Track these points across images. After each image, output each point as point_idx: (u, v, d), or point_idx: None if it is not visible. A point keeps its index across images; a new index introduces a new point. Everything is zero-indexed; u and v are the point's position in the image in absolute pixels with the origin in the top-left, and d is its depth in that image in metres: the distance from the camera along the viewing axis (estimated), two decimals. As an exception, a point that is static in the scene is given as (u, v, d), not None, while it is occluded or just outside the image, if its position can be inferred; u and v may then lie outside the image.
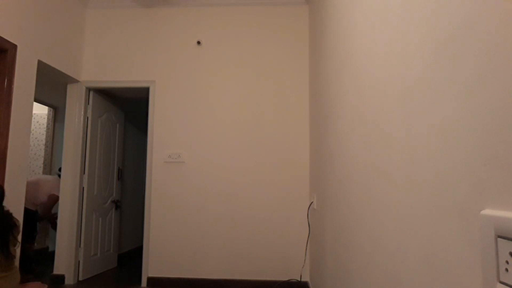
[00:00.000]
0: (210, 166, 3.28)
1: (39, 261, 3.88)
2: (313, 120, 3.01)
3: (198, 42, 3.41)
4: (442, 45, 0.72)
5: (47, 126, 4.69)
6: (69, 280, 3.21)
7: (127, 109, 4.31)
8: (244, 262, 3.16)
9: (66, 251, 3.22)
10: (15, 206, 2.51)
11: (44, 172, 4.56)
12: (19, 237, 2.33)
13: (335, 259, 1.88)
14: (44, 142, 4.73)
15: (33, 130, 4.63)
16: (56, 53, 3.01)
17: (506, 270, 0.50)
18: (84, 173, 3.39)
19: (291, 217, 3.18)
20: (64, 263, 3.21)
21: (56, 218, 3.43)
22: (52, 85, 4.05)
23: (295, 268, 3.12)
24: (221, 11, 3.44)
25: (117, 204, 3.94)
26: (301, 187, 3.22)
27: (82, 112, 3.39)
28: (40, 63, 2.80)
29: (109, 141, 3.83)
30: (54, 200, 3.56)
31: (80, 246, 3.31)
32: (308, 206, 3.11)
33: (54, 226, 3.58)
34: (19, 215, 2.55)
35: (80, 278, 3.29)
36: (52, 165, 4.45)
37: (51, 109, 4.54)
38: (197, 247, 3.19)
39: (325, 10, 2.36)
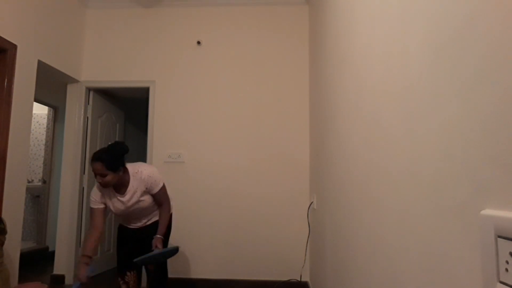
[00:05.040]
0: (210, 166, 3.28)
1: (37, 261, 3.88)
2: (313, 120, 3.01)
3: (198, 42, 3.41)
4: (442, 44, 0.72)
5: (47, 126, 4.69)
6: (69, 280, 3.21)
7: (127, 109, 4.31)
8: (244, 262, 3.16)
9: (66, 251, 3.22)
10: (16, 205, 2.51)
11: (44, 172, 4.54)
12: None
13: (335, 259, 1.88)
14: (44, 142, 4.73)
15: (33, 130, 4.63)
16: (56, 53, 3.01)
17: (506, 270, 0.50)
18: (84, 173, 3.39)
19: (291, 217, 3.18)
20: (64, 263, 3.21)
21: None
22: (52, 85, 4.05)
23: (295, 268, 3.12)
24: (221, 11, 3.44)
25: (117, 204, 3.93)
26: (301, 187, 3.22)
27: (82, 112, 3.39)
28: (40, 63, 2.80)
29: (109, 141, 3.83)
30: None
31: (80, 246, 3.31)
32: (308, 206, 3.11)
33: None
34: (19, 215, 2.55)
35: (80, 278, 3.28)
36: (52, 165, 4.45)
37: (51, 109, 4.54)
38: (197, 247, 3.19)
39: (325, 10, 2.36)
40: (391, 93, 1.03)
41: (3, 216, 2.34)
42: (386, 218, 1.07)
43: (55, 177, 4.37)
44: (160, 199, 2.17)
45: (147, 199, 2.14)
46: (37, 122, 4.88)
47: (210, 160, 3.29)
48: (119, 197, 2.09)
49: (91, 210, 2.11)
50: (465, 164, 0.63)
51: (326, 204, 2.24)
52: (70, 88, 3.41)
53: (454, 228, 0.67)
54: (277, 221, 3.19)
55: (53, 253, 3.34)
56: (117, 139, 4.00)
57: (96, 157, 1.96)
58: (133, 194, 2.09)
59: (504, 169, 0.52)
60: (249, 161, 3.28)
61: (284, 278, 3.11)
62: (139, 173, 2.09)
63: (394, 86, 1.01)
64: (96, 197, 2.09)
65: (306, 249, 3.10)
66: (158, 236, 2.09)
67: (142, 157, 4.72)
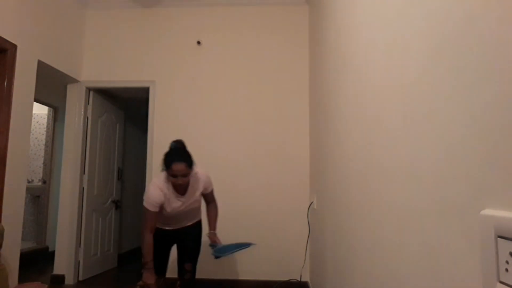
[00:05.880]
0: (210, 166, 3.27)
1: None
2: (313, 120, 3.01)
3: (198, 42, 3.41)
4: (442, 44, 0.72)
5: (47, 126, 4.69)
6: (69, 280, 3.21)
7: (127, 109, 4.31)
8: (244, 262, 3.16)
9: (66, 251, 3.22)
10: (16, 205, 2.51)
11: (44, 172, 4.54)
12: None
13: (335, 259, 1.88)
14: (44, 142, 4.73)
15: (33, 130, 4.63)
16: (56, 53, 3.01)
17: (506, 270, 0.50)
18: (84, 173, 3.39)
19: (291, 217, 3.18)
20: (64, 263, 3.21)
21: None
22: (52, 85, 4.05)
23: (295, 268, 3.12)
24: (221, 11, 3.44)
25: (117, 204, 3.94)
26: (301, 187, 3.22)
27: (82, 112, 3.39)
28: (40, 63, 2.80)
29: (109, 141, 3.83)
30: None
31: (80, 246, 3.31)
32: (308, 206, 3.11)
33: None
34: (19, 215, 2.55)
35: (80, 278, 3.29)
36: (52, 165, 4.45)
37: (51, 109, 4.54)
38: (197, 247, 3.19)
39: (325, 10, 2.36)
40: (391, 93, 1.03)
41: (3, 216, 2.35)
42: (386, 218, 1.07)
43: (55, 177, 4.37)
44: (212, 197, 2.33)
45: (199, 199, 2.22)
46: (37, 122, 4.88)
47: (210, 160, 3.28)
48: (179, 198, 2.08)
49: (149, 213, 2.02)
50: (465, 164, 0.63)
51: (326, 204, 2.24)
52: (70, 88, 3.41)
53: (454, 228, 0.67)
54: (277, 221, 3.19)
55: (53, 253, 3.34)
56: (117, 139, 4.00)
57: (180, 158, 1.98)
58: (193, 194, 2.13)
59: (504, 169, 0.52)
60: (249, 161, 3.27)
61: (284, 278, 3.11)
62: (197, 173, 2.15)
63: (394, 86, 1.01)
64: (157, 200, 2.01)
65: (306, 249, 3.10)
66: (213, 231, 2.25)
67: (142, 157, 4.73)
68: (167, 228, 2.23)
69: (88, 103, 3.46)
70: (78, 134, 3.35)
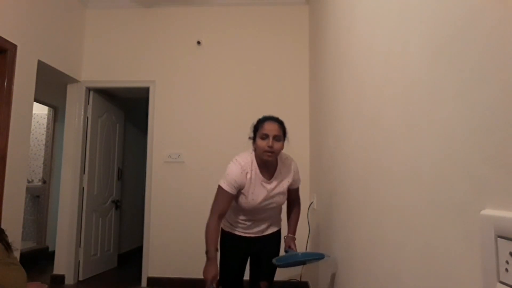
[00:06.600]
0: (210, 166, 3.28)
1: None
2: (313, 120, 3.01)
3: (198, 42, 3.41)
4: (442, 44, 0.72)
5: (47, 126, 4.70)
6: (69, 280, 3.21)
7: (127, 109, 4.31)
8: (244, 262, 3.16)
9: (66, 251, 3.22)
10: (16, 205, 2.51)
11: (44, 172, 4.54)
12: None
13: (335, 259, 1.87)
14: (44, 142, 4.73)
15: (33, 130, 4.62)
16: (56, 53, 3.01)
17: (506, 270, 0.50)
18: (84, 173, 3.39)
19: (291, 217, 3.18)
20: (64, 263, 3.22)
21: None
22: (52, 85, 4.05)
23: (295, 268, 3.11)
24: (221, 11, 3.44)
25: (117, 204, 3.94)
26: (301, 187, 3.20)
27: (82, 112, 3.39)
28: (40, 63, 2.80)
29: (109, 141, 3.83)
30: None
31: (80, 246, 3.31)
32: (308, 206, 3.11)
33: None
34: (19, 215, 2.55)
35: (80, 278, 3.29)
36: (52, 165, 4.45)
37: (51, 109, 4.54)
38: (197, 247, 3.19)
39: (325, 10, 2.36)
40: (391, 93, 1.03)
41: (3, 216, 2.34)
42: (386, 218, 1.07)
43: (55, 177, 4.37)
44: (298, 194, 1.97)
45: (285, 194, 1.81)
46: (37, 122, 4.88)
47: (210, 160, 3.28)
48: (264, 183, 1.71)
49: (223, 194, 1.65)
50: (465, 164, 0.63)
51: (326, 204, 2.24)
52: (70, 88, 3.42)
53: (454, 228, 0.67)
54: (277, 221, 3.19)
55: (53, 253, 3.35)
56: (117, 139, 4.00)
57: (275, 118, 1.73)
58: (279, 183, 1.76)
59: (504, 169, 0.52)
60: (249, 161, 3.27)
61: (284, 278, 3.11)
62: (288, 159, 1.85)
63: (394, 86, 1.01)
64: (237, 178, 1.65)
65: (306, 249, 3.09)
66: (291, 235, 1.88)
67: (142, 157, 4.72)
68: (243, 234, 1.83)
69: (88, 103, 3.46)
70: (78, 134, 3.35)
